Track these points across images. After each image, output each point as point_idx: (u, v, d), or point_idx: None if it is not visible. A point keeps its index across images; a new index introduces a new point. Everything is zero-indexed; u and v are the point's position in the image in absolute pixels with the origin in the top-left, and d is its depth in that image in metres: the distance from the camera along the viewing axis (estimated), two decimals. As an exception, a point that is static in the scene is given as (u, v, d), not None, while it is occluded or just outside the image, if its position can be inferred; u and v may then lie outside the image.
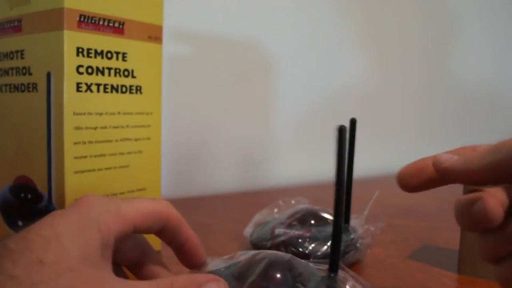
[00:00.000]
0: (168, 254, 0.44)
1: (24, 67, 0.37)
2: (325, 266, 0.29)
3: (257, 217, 0.48)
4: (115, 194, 0.39)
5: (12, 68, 0.38)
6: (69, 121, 0.35)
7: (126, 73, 0.39)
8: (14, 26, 0.38)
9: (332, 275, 0.28)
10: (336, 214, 0.28)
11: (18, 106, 0.38)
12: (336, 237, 0.28)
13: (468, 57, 1.27)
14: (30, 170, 0.37)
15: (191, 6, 0.75)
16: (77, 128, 0.35)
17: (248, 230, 0.46)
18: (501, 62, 1.37)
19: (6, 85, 0.39)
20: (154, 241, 0.43)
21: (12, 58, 0.38)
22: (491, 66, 1.33)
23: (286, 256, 0.30)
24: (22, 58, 0.37)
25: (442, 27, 1.20)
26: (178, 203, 0.66)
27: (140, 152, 0.41)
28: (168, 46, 0.72)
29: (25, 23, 0.37)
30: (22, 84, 0.37)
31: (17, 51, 0.38)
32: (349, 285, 0.28)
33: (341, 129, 0.27)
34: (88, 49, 0.36)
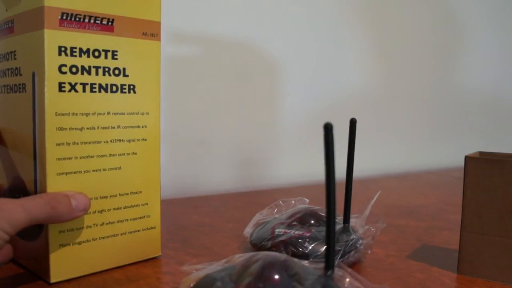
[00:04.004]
0: (169, 255, 0.43)
1: (16, 68, 0.37)
2: (323, 265, 0.28)
3: (257, 217, 0.47)
4: (105, 197, 0.38)
5: (8, 69, 0.38)
6: (50, 122, 0.34)
7: (116, 71, 0.38)
8: (8, 27, 0.38)
9: (329, 273, 0.27)
10: (328, 211, 0.26)
11: (12, 106, 0.38)
12: (329, 234, 0.27)
13: (469, 61, 1.27)
14: (22, 171, 0.37)
15: (192, 7, 0.75)
16: (60, 128, 0.34)
17: (248, 230, 0.45)
18: (502, 67, 1.37)
19: (4, 86, 0.39)
20: (155, 247, 0.42)
21: (8, 59, 0.38)
22: (492, 70, 1.33)
23: (282, 256, 0.30)
24: (14, 59, 0.37)
25: (445, 31, 1.20)
26: (178, 203, 0.67)
27: (134, 153, 0.40)
28: (169, 46, 0.72)
29: (16, 23, 0.37)
30: (15, 85, 0.37)
31: (11, 52, 0.38)
32: (346, 283, 0.28)
33: (327, 127, 0.25)
34: (72, 48, 0.35)
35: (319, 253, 0.39)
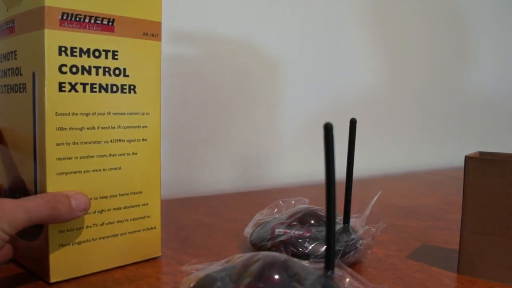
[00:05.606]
0: (169, 255, 0.43)
1: (16, 68, 0.37)
2: (323, 265, 0.28)
3: (257, 217, 0.47)
4: (105, 197, 0.38)
5: (8, 69, 0.38)
6: (50, 122, 0.34)
7: (117, 72, 0.38)
8: (9, 27, 0.38)
9: (329, 273, 0.27)
10: (328, 211, 0.26)
11: (12, 106, 0.38)
12: (329, 234, 0.27)
13: (469, 61, 1.28)
14: (22, 170, 0.37)
15: (193, 7, 0.75)
16: (60, 128, 0.34)
17: (248, 230, 0.45)
18: (502, 67, 1.38)
19: (4, 85, 0.39)
20: (155, 247, 0.42)
21: (9, 59, 0.38)
22: (492, 70, 1.34)
23: (282, 256, 0.30)
24: (15, 58, 0.37)
25: (445, 32, 1.21)
26: (178, 203, 0.67)
27: (134, 154, 0.40)
28: (170, 46, 0.72)
29: (17, 23, 0.37)
30: (16, 85, 0.37)
31: (11, 52, 0.38)
32: (346, 283, 0.28)
33: (327, 127, 0.25)
34: (72, 48, 0.35)
35: (319, 253, 0.39)
